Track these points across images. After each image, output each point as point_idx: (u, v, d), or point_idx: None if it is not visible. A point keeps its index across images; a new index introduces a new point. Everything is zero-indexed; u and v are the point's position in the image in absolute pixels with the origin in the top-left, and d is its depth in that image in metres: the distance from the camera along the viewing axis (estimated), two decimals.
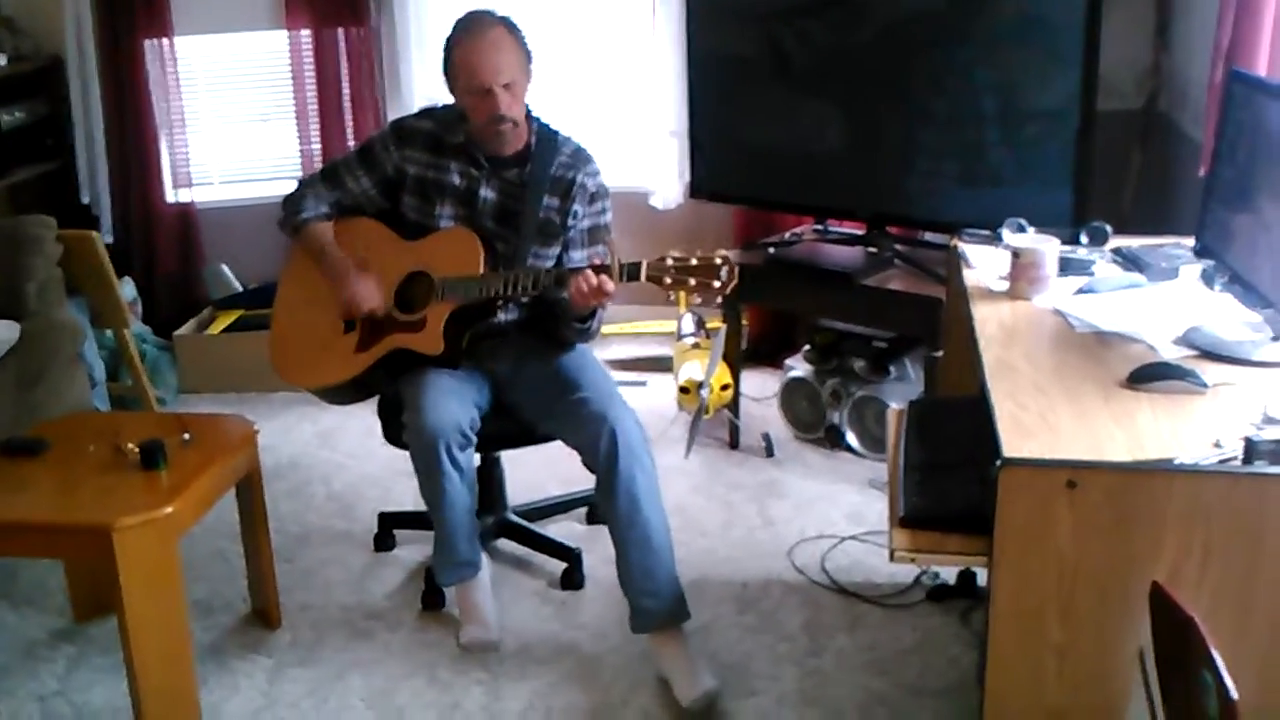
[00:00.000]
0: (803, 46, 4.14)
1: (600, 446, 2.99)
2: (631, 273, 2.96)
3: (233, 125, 5.52)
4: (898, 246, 4.10)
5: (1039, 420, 2.14)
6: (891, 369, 4.17)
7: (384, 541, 3.74)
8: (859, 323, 4.21)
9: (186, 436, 3.03)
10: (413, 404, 3.08)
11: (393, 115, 4.90)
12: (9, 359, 3.79)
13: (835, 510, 3.87)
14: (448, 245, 3.19)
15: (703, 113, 4.42)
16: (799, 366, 4.38)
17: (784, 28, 4.16)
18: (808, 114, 4.17)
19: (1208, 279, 2.76)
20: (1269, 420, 2.08)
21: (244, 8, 5.23)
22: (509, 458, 3.62)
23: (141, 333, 5.01)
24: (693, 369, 4.28)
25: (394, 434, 3.32)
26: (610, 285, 2.96)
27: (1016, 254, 2.84)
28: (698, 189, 4.54)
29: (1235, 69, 2.99)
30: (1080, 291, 2.84)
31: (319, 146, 5.29)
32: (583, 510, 3.85)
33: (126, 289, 4.94)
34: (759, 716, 2.91)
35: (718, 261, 2.89)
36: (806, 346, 4.38)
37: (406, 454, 3.36)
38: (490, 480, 3.56)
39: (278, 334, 3.41)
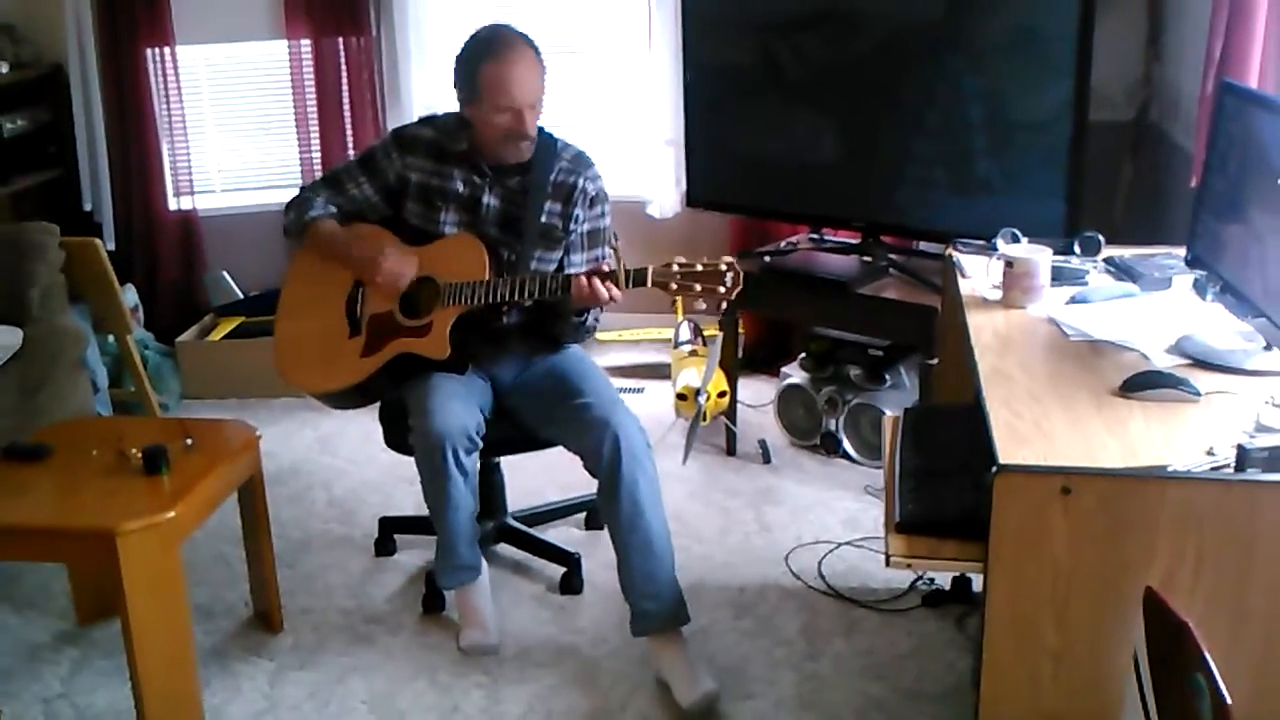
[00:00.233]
0: (798, 57, 4.18)
1: (603, 451, 3.02)
2: (638, 279, 2.99)
3: (234, 133, 5.54)
4: (893, 255, 4.13)
5: (1033, 428, 2.17)
6: (887, 377, 4.19)
7: (384, 546, 3.77)
8: (855, 331, 4.24)
9: (189, 442, 3.05)
10: (420, 408, 3.10)
11: (392, 124, 4.92)
12: (12, 365, 3.81)
13: (831, 516, 3.90)
14: (453, 251, 3.22)
15: (699, 122, 4.45)
16: (795, 374, 4.41)
17: (780, 39, 4.19)
18: (803, 124, 4.20)
19: (1200, 289, 2.79)
20: (1261, 428, 2.11)
21: (245, 17, 5.25)
22: (508, 463, 3.64)
23: (143, 339, 5.02)
24: (690, 376, 4.31)
25: (396, 439, 3.35)
26: (617, 292, 2.99)
27: (1010, 263, 2.87)
28: (694, 198, 4.57)
29: (1226, 80, 3.01)
30: (1073, 301, 2.87)
31: (319, 155, 5.32)
32: (581, 515, 3.87)
33: (129, 295, 4.96)
34: None
35: (723, 267, 2.93)
36: (802, 354, 4.41)
37: (407, 459, 3.39)
38: (490, 485, 3.58)
39: (282, 338, 3.42)
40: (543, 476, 4.07)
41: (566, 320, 3.23)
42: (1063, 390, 2.35)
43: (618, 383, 4.76)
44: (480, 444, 3.14)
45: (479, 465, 3.21)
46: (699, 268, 2.94)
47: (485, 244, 3.19)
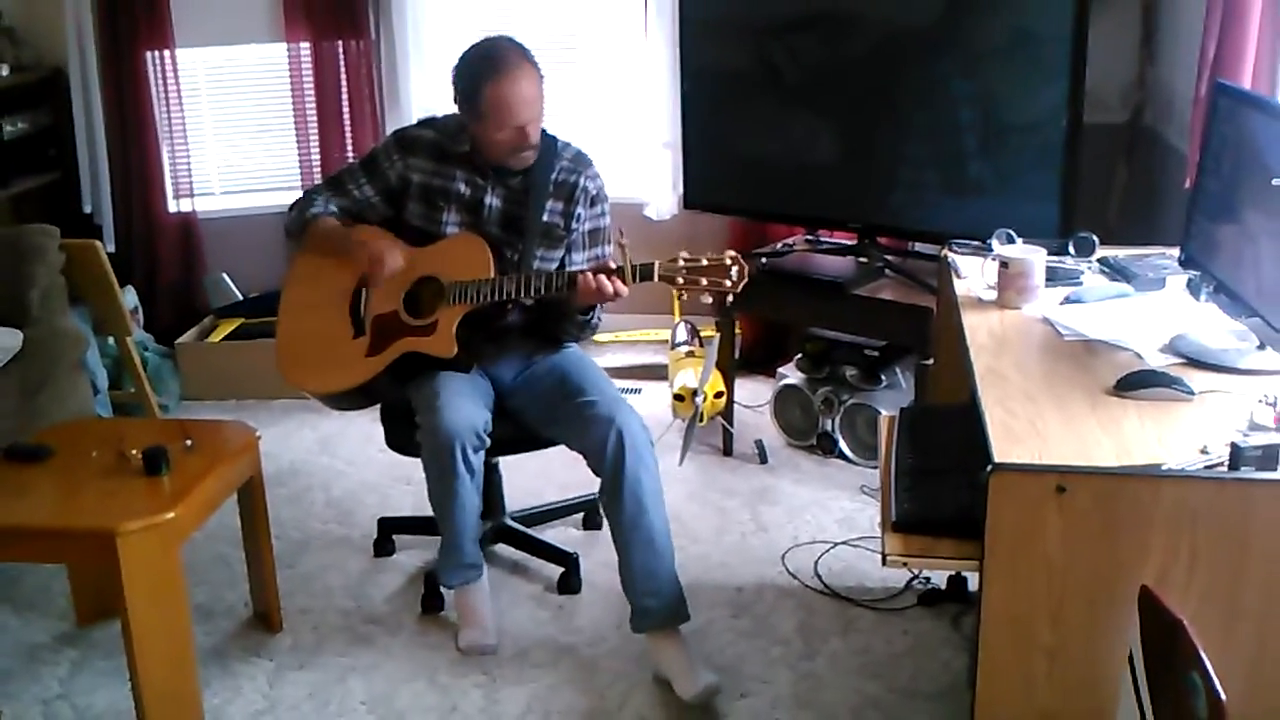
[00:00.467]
0: (795, 60, 4.19)
1: (607, 449, 3.03)
2: (644, 274, 3.01)
3: (233, 136, 5.55)
4: (888, 257, 4.15)
5: (1028, 427, 2.18)
6: (883, 377, 4.21)
7: (383, 547, 3.78)
8: (851, 331, 4.25)
9: (189, 442, 3.06)
10: (428, 405, 3.11)
11: (391, 126, 4.93)
12: (13, 366, 3.82)
13: (828, 516, 3.91)
14: (457, 251, 3.23)
15: (696, 125, 4.46)
16: (791, 374, 4.42)
17: (776, 42, 4.21)
18: (800, 126, 4.22)
19: (1193, 289, 2.80)
20: (1254, 427, 2.12)
21: (244, 20, 5.26)
22: (506, 463, 3.65)
23: (143, 340, 5.03)
24: (687, 377, 4.32)
25: (398, 440, 3.36)
26: (624, 288, 3.01)
27: (1005, 264, 2.89)
28: (691, 200, 4.58)
29: (1220, 82, 3.02)
30: (1068, 301, 2.89)
31: (318, 157, 5.33)
32: (579, 516, 3.89)
33: (128, 297, 4.97)
34: (753, 719, 2.95)
35: (728, 261, 2.96)
36: (799, 355, 4.42)
37: (406, 460, 3.42)
38: (489, 485, 3.58)
39: (285, 339, 3.42)
40: (540, 477, 4.08)
41: (571, 318, 3.24)
42: (1057, 389, 2.36)
43: (615, 384, 4.77)
44: (488, 442, 3.15)
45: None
46: (704, 262, 2.97)
47: (488, 244, 3.21)
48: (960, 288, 3.05)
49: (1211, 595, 1.99)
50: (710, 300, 3.03)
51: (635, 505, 3.04)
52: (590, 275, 3.03)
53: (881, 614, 3.37)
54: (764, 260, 4.24)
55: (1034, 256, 2.88)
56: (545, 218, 3.27)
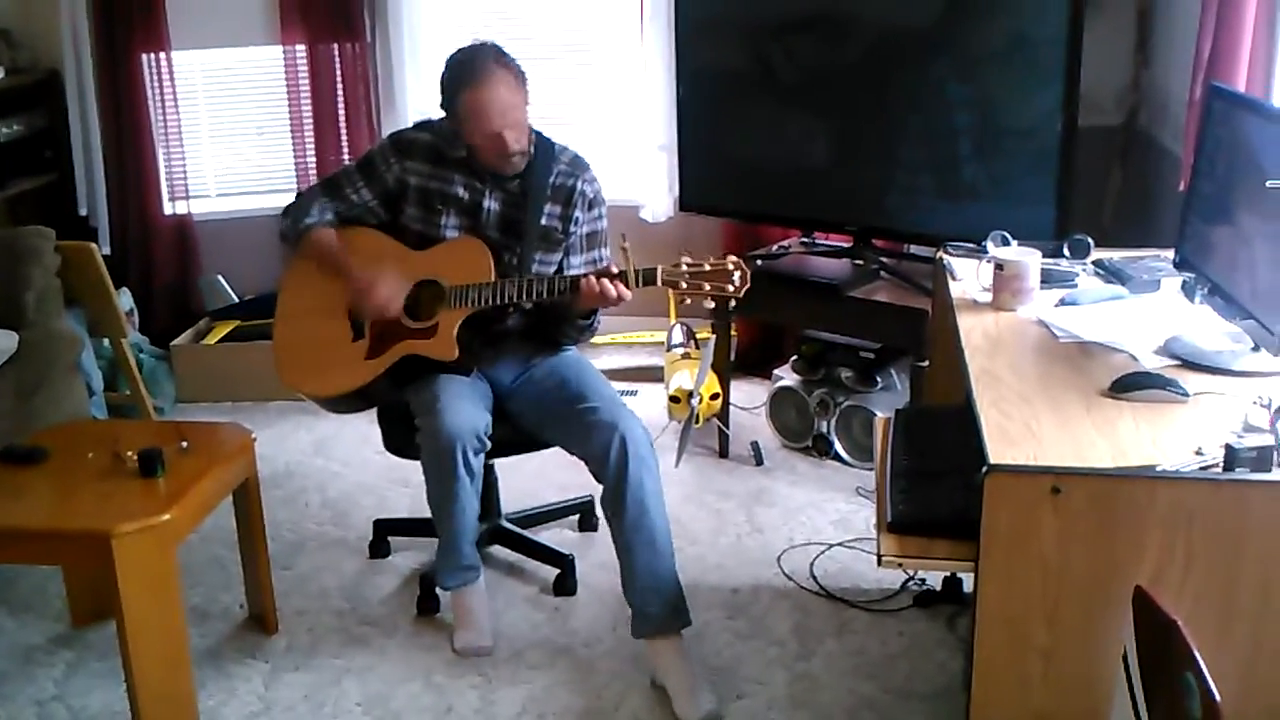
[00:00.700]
0: (790, 62, 4.20)
1: (610, 455, 3.03)
2: (647, 278, 3.02)
3: (229, 138, 5.56)
4: (884, 259, 4.16)
5: (1023, 428, 2.19)
6: (878, 379, 4.21)
7: (379, 548, 3.77)
8: (846, 333, 4.26)
9: (184, 444, 3.06)
10: (429, 408, 3.11)
11: (387, 129, 4.95)
12: (8, 368, 3.82)
13: (823, 517, 3.92)
14: (457, 254, 3.23)
15: (692, 127, 4.47)
16: (787, 376, 4.43)
17: (772, 44, 4.21)
18: (796, 129, 4.23)
19: (1188, 291, 2.81)
20: (1249, 428, 2.13)
21: (240, 23, 5.27)
22: (501, 465, 3.65)
23: (138, 343, 5.03)
24: (683, 379, 4.33)
25: (396, 442, 3.36)
26: (627, 291, 3.02)
27: (1000, 266, 2.89)
28: (687, 202, 4.59)
29: (1215, 84, 3.03)
30: (1063, 303, 2.89)
31: (314, 159, 5.33)
32: (575, 517, 3.89)
33: (124, 299, 4.97)
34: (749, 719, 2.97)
35: (730, 266, 2.97)
36: (794, 357, 4.43)
37: (401, 462, 3.41)
38: (485, 487, 3.56)
39: (282, 343, 3.40)
40: (536, 479, 4.09)
41: (571, 322, 3.25)
42: (1052, 391, 2.37)
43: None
44: (489, 445, 3.15)
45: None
46: (707, 267, 2.99)
47: (488, 246, 3.21)
48: (955, 290, 3.05)
49: (1206, 596, 1.99)
50: (713, 305, 3.05)
51: (638, 509, 3.04)
52: (593, 279, 3.03)
53: (877, 615, 3.37)
54: (760, 262, 4.25)
55: (1029, 259, 2.89)
56: (543, 221, 3.27)
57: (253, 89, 5.48)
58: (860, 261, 4.14)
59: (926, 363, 3.64)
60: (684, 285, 3.00)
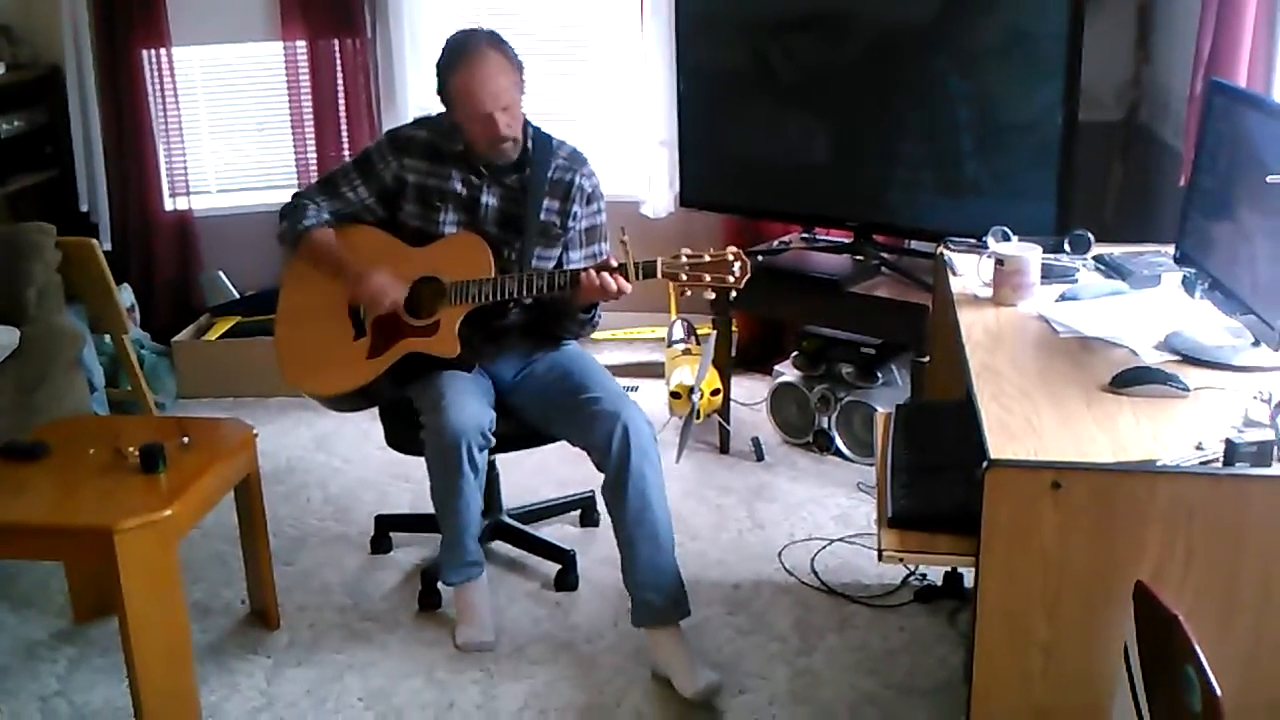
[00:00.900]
0: (791, 59, 4.20)
1: (612, 445, 3.04)
2: (647, 271, 3.02)
3: (229, 134, 5.55)
4: (884, 254, 4.16)
5: (1024, 423, 2.19)
6: (879, 374, 4.22)
7: (381, 544, 3.78)
8: (847, 329, 4.26)
9: (185, 440, 3.06)
10: (433, 405, 3.11)
11: (388, 125, 4.94)
12: (9, 364, 3.82)
13: (824, 513, 3.92)
14: (456, 250, 3.23)
15: (692, 123, 4.47)
16: (788, 372, 4.43)
17: (772, 40, 4.21)
18: (796, 124, 4.23)
19: (1188, 286, 2.81)
20: (1249, 423, 2.13)
21: (240, 19, 5.26)
22: (502, 461, 3.66)
23: (140, 338, 5.04)
24: (684, 374, 4.33)
25: (399, 438, 3.36)
26: (627, 285, 3.02)
27: (1001, 261, 2.90)
28: (687, 198, 4.59)
29: (1215, 80, 3.03)
30: (1063, 298, 2.89)
31: (315, 155, 5.32)
32: (576, 512, 3.89)
33: (125, 295, 4.97)
34: (750, 715, 2.96)
35: (730, 257, 2.97)
36: (795, 352, 4.43)
37: (403, 457, 3.42)
38: (487, 483, 3.57)
39: (284, 342, 3.41)
40: (537, 474, 4.09)
41: (572, 316, 3.25)
42: (1053, 386, 2.37)
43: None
44: (493, 441, 3.15)
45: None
46: (707, 259, 2.99)
47: (487, 242, 3.21)
48: (956, 285, 3.06)
49: (1207, 590, 2.00)
50: (714, 297, 3.05)
51: (640, 500, 3.05)
52: (593, 273, 3.03)
53: (878, 610, 3.37)
54: (760, 258, 4.25)
55: (1029, 254, 2.89)
56: (542, 216, 3.27)
57: (253, 85, 5.47)
58: (861, 257, 4.14)
59: (927, 358, 3.65)
60: (684, 277, 3.00)
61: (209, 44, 5.37)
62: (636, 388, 4.92)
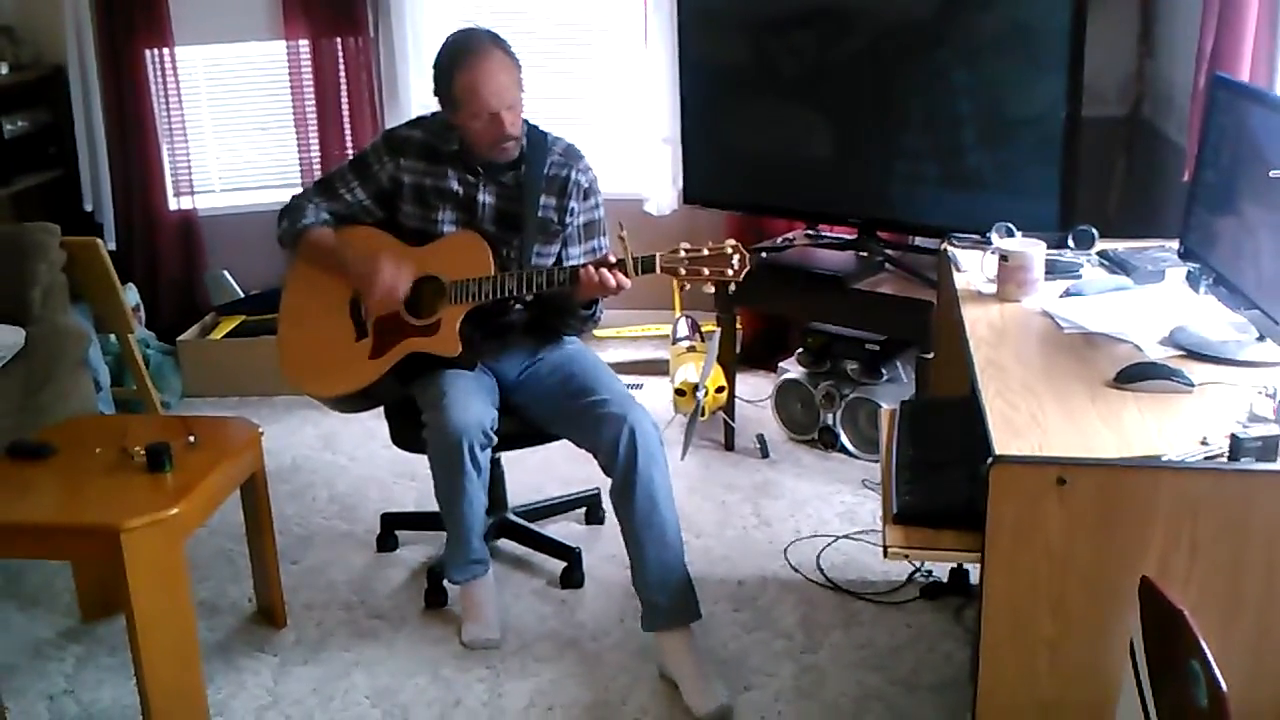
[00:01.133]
0: (794, 55, 4.20)
1: (620, 448, 3.03)
2: (646, 265, 3.02)
3: (233, 133, 5.56)
4: (888, 251, 4.16)
5: (1029, 419, 2.19)
6: (884, 371, 4.22)
7: (386, 542, 3.79)
8: (851, 325, 4.25)
9: (192, 439, 3.07)
10: (435, 404, 3.11)
11: (390, 123, 4.93)
12: (15, 364, 3.83)
13: (829, 510, 3.92)
14: (455, 249, 3.23)
15: (695, 120, 4.47)
16: (792, 369, 4.43)
17: (775, 37, 4.21)
18: (799, 121, 4.23)
19: (1193, 281, 2.82)
20: (1254, 418, 2.13)
21: (243, 18, 5.27)
22: (507, 458, 3.66)
23: (145, 338, 5.04)
24: (688, 372, 4.33)
25: (403, 437, 3.37)
26: (626, 280, 3.02)
27: (1005, 257, 2.90)
28: (691, 195, 4.59)
29: (1218, 74, 3.03)
30: (1067, 294, 2.90)
31: (318, 154, 5.34)
32: (581, 510, 3.90)
33: (130, 295, 4.98)
34: (756, 712, 2.96)
35: (729, 250, 2.97)
36: (800, 349, 4.43)
37: (408, 455, 3.42)
38: (492, 481, 3.57)
39: (287, 344, 3.41)
40: (542, 472, 4.10)
41: (573, 312, 3.25)
42: (1057, 382, 2.37)
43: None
44: (495, 439, 3.15)
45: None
46: (705, 252, 2.98)
47: (486, 240, 3.21)
48: (960, 281, 3.06)
49: (1212, 585, 2.00)
50: (713, 290, 3.04)
51: (648, 502, 3.04)
52: (592, 269, 3.03)
53: (883, 607, 3.38)
54: (764, 255, 4.26)
55: (1033, 250, 2.89)
56: (540, 213, 3.27)
57: (256, 84, 5.48)
58: (865, 253, 4.14)
59: (931, 354, 3.66)
60: (683, 271, 2.99)
61: (212, 43, 5.39)
62: (641, 385, 4.92)
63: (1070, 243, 3.19)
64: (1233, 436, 2.00)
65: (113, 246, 5.20)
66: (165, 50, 5.22)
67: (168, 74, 5.25)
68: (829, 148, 4.19)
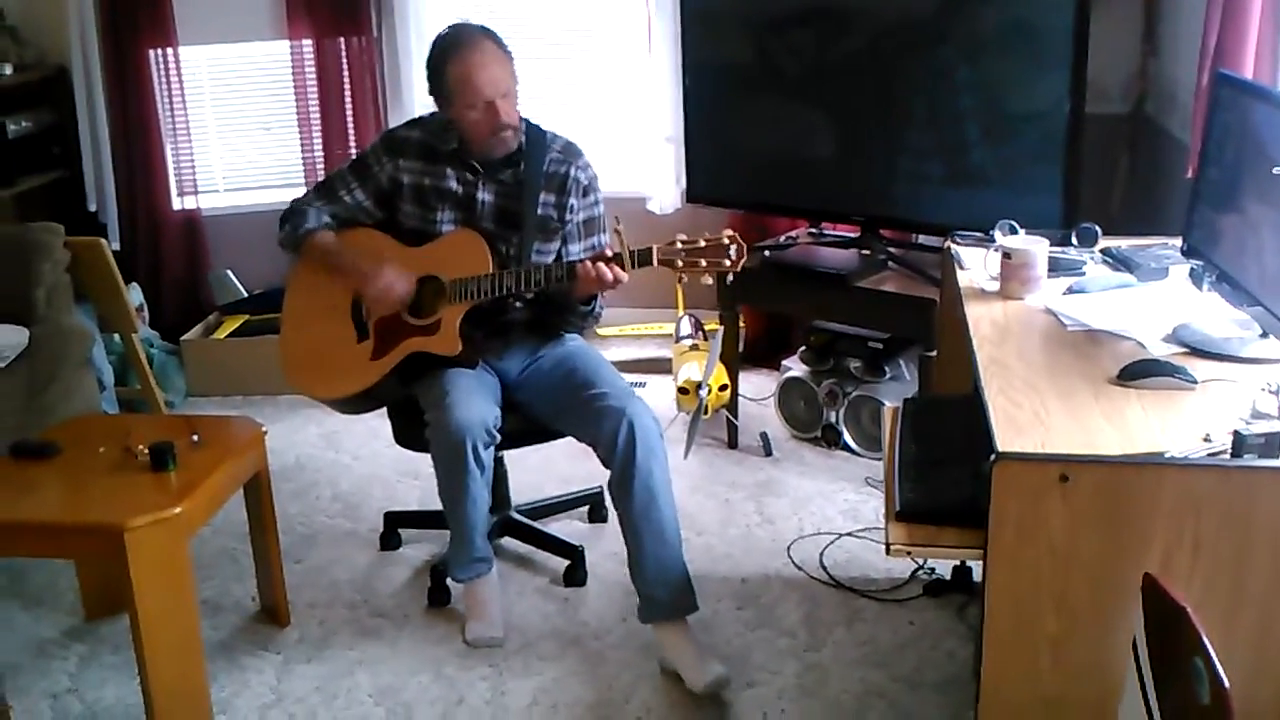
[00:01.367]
0: (796, 53, 4.20)
1: (619, 441, 3.04)
2: (643, 259, 3.02)
3: (236, 133, 5.56)
4: (891, 249, 4.16)
5: (1032, 416, 2.19)
6: (887, 368, 4.22)
7: (390, 540, 3.79)
8: (854, 323, 4.25)
9: (195, 438, 3.07)
10: (437, 403, 3.11)
11: (394, 122, 4.94)
12: (19, 363, 3.84)
13: (832, 508, 3.92)
14: (454, 248, 3.23)
15: (698, 119, 4.47)
16: (796, 367, 4.43)
17: (777, 35, 4.21)
18: (801, 120, 4.23)
19: (1196, 278, 2.81)
20: (1257, 415, 2.13)
21: (246, 18, 5.27)
22: (510, 457, 3.66)
23: (149, 337, 5.05)
24: (691, 370, 4.33)
25: (407, 436, 3.37)
26: (623, 274, 3.02)
27: (1008, 255, 2.89)
28: (694, 194, 4.59)
29: (1222, 72, 3.03)
30: (1071, 291, 2.89)
31: (321, 154, 5.34)
32: (584, 508, 3.90)
33: (133, 294, 4.98)
34: (759, 709, 2.97)
35: (725, 240, 2.97)
36: (803, 347, 4.43)
37: (412, 454, 3.43)
38: (495, 479, 3.57)
39: (289, 346, 3.42)
40: (544, 470, 4.10)
41: (572, 309, 3.26)
42: (1060, 379, 2.37)
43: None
44: (498, 438, 3.16)
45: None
46: (702, 243, 2.99)
47: (484, 238, 3.21)
48: (963, 279, 3.05)
49: (1215, 582, 2.00)
50: (711, 281, 3.04)
51: (646, 496, 3.05)
52: (589, 264, 3.03)
53: (886, 605, 3.38)
54: (767, 253, 4.26)
55: (1036, 247, 2.89)
56: (539, 210, 3.27)
57: (260, 84, 5.49)
58: (868, 251, 4.14)
59: (935, 352, 3.65)
60: (680, 263, 3.00)
61: (215, 43, 5.39)
62: (644, 383, 4.93)
63: (1073, 240, 3.19)
64: (1236, 433, 2.00)
65: (116, 246, 5.21)
66: (169, 50, 5.22)
67: (171, 74, 5.26)
68: (832, 146, 4.19)
